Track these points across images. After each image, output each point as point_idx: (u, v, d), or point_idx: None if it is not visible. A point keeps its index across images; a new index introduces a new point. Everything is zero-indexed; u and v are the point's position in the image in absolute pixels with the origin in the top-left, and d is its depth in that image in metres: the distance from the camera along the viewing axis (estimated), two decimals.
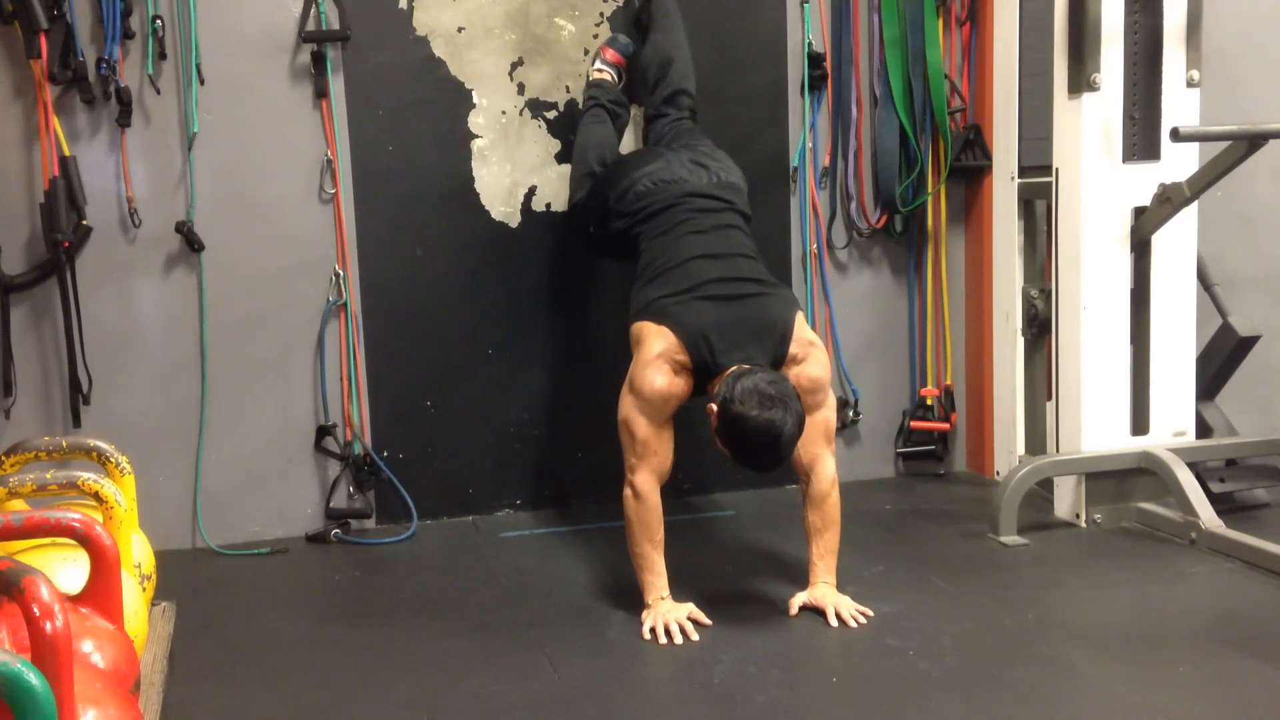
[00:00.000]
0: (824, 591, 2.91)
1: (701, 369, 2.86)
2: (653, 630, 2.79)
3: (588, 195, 3.47)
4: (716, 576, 3.21)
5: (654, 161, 3.30)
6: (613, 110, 3.67)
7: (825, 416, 2.95)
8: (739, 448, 2.75)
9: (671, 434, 2.91)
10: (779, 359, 2.89)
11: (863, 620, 2.84)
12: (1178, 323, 3.58)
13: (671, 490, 3.91)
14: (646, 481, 2.88)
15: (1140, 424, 3.57)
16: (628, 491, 2.91)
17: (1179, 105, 3.47)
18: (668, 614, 2.81)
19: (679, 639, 2.75)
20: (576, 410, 3.83)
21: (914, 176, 3.99)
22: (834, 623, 2.82)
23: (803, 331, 2.95)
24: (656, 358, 2.84)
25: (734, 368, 2.79)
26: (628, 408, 2.88)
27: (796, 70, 3.96)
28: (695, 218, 3.10)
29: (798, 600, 2.93)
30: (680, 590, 3.03)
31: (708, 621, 2.84)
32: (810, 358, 2.92)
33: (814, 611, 2.90)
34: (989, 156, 3.98)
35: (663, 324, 2.88)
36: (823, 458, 2.94)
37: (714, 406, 2.76)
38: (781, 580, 3.16)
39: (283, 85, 3.57)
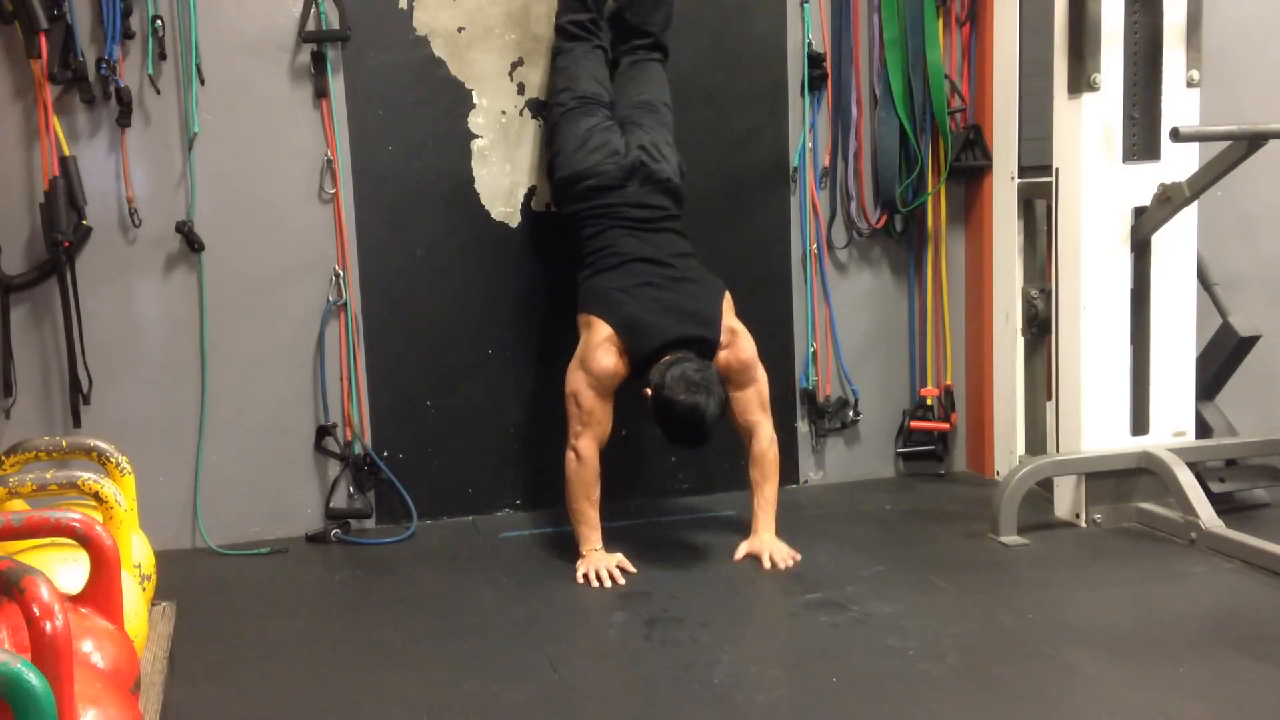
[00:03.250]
0: (763, 540, 3.31)
1: (636, 357, 3.22)
2: (585, 576, 3.17)
3: (550, 149, 3.62)
4: (716, 576, 3.22)
5: (603, 152, 3.45)
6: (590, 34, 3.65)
7: (758, 389, 3.35)
8: (669, 426, 3.15)
9: (612, 407, 3.26)
10: (711, 345, 3.27)
11: (791, 564, 3.23)
12: (1178, 323, 3.58)
13: (671, 490, 3.97)
14: (588, 447, 3.24)
15: (1140, 424, 3.57)
16: (570, 455, 3.26)
17: (1179, 105, 3.47)
18: (598, 562, 3.20)
19: (608, 583, 3.14)
20: None
21: (914, 176, 3.99)
22: (768, 566, 3.22)
23: (729, 320, 3.33)
24: (605, 340, 3.22)
25: (666, 356, 3.17)
26: (577, 382, 3.24)
27: (796, 70, 3.96)
28: (633, 226, 3.40)
29: (741, 548, 3.32)
30: (681, 589, 3.07)
31: (633, 569, 3.20)
32: (736, 343, 3.31)
33: (821, 611, 2.90)
34: (989, 156, 3.98)
35: (605, 317, 3.25)
36: (760, 423, 3.35)
37: (648, 391, 3.14)
38: (782, 579, 3.17)
39: (283, 85, 3.58)
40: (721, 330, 3.29)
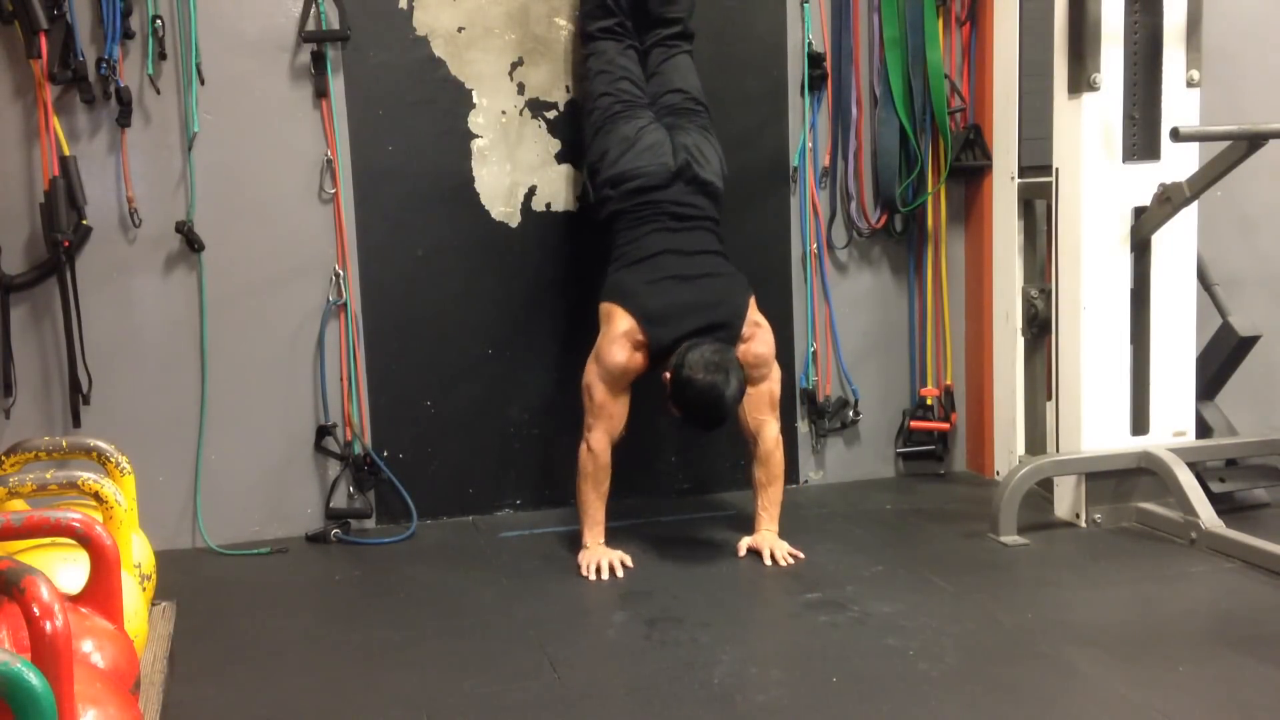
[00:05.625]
0: (765, 537, 3.33)
1: (656, 348, 3.24)
2: (586, 567, 3.21)
3: (594, 150, 3.57)
4: (717, 576, 3.22)
5: (652, 153, 3.45)
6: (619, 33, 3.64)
7: (770, 387, 3.37)
8: (687, 407, 3.17)
9: (627, 401, 3.31)
10: (733, 337, 3.28)
11: (792, 561, 3.24)
12: (1178, 323, 3.58)
13: (671, 490, 3.97)
14: (601, 440, 3.28)
15: (1140, 424, 3.57)
16: (584, 447, 3.31)
17: (1179, 105, 3.47)
18: (600, 556, 3.24)
19: (605, 575, 3.18)
20: (577, 410, 3.82)
21: (914, 176, 3.99)
22: (769, 562, 3.24)
23: (752, 314, 3.35)
24: (621, 335, 3.24)
25: (686, 342, 3.19)
26: (591, 375, 3.28)
27: (796, 70, 3.96)
28: (669, 224, 3.42)
29: (744, 544, 3.34)
30: (682, 589, 3.07)
31: (632, 564, 3.24)
32: (756, 336, 3.33)
33: (821, 611, 2.91)
34: (989, 156, 3.98)
35: (627, 308, 3.27)
36: (767, 423, 3.36)
37: (668, 374, 3.17)
38: (782, 579, 3.17)
39: (283, 85, 3.58)
40: (745, 324, 3.31)
